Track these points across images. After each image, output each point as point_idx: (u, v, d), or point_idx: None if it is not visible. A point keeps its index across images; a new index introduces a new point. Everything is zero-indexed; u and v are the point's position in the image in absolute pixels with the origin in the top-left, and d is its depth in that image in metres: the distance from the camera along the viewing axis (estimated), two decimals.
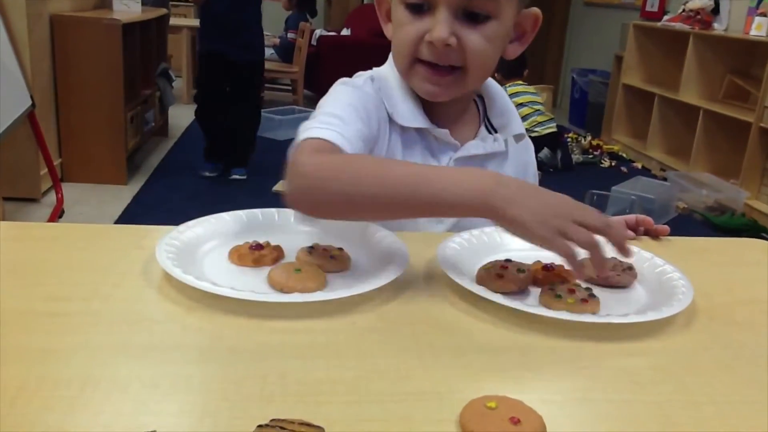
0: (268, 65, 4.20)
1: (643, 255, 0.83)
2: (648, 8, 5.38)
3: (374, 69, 0.96)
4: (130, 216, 3.08)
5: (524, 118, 4.37)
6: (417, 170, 0.74)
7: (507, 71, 4.48)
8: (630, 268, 0.79)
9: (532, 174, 1.07)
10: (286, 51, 5.60)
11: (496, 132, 0.98)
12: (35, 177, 3.15)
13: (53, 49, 3.30)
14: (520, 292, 0.74)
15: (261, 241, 0.78)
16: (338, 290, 0.67)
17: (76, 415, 0.49)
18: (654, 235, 0.94)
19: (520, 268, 0.75)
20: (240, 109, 3.63)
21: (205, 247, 0.78)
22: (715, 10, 4.42)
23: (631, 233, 0.92)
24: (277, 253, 0.78)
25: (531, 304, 0.70)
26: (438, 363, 0.59)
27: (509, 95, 4.46)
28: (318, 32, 5.84)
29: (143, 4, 4.19)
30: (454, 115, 0.95)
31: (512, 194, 0.67)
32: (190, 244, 0.77)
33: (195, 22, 4.67)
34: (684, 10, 4.59)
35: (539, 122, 4.36)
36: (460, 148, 0.93)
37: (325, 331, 0.63)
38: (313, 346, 0.61)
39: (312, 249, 0.77)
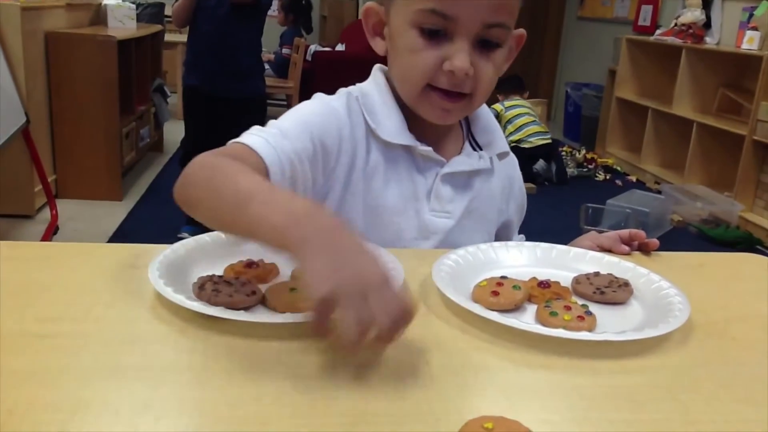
0: None
1: (638, 271, 0.82)
2: (640, 22, 5.42)
3: (357, 85, 0.95)
4: (125, 232, 3.06)
5: (520, 128, 4.40)
6: (261, 188, 0.67)
7: (507, 90, 4.56)
8: (626, 284, 0.79)
9: (518, 188, 1.07)
10: (280, 66, 5.61)
11: (480, 149, 0.97)
12: (29, 193, 3.14)
13: (48, 65, 3.30)
14: (516, 309, 0.74)
15: (256, 259, 0.78)
16: None
17: None
18: (645, 249, 0.94)
19: (516, 285, 0.75)
20: None
21: (200, 265, 0.77)
22: (707, 24, 4.46)
23: (626, 248, 0.92)
24: (273, 271, 0.77)
25: (527, 321, 0.69)
26: (434, 382, 0.59)
27: (507, 108, 4.50)
28: (313, 47, 5.86)
29: (138, 20, 4.20)
30: (441, 132, 0.94)
31: (308, 235, 0.58)
32: (185, 262, 0.76)
33: None
34: (676, 25, 4.62)
35: (534, 132, 4.38)
36: (446, 164, 0.93)
37: (320, 352, 0.63)
38: (309, 366, 0.60)
39: None
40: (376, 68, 0.96)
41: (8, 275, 0.75)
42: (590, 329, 0.69)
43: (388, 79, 0.93)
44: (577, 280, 0.80)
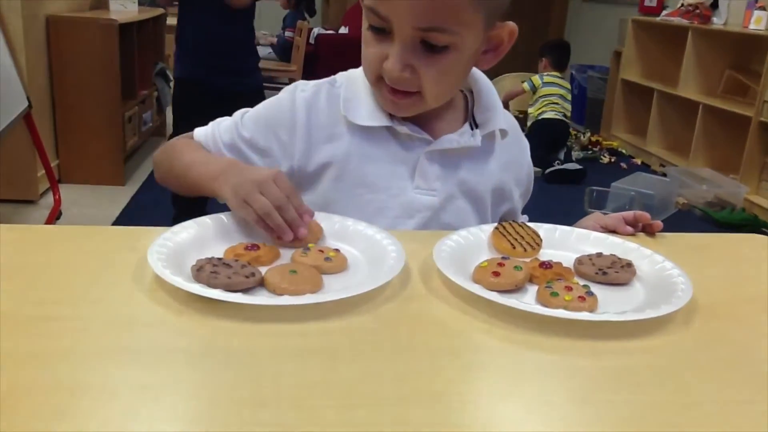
0: (265, 64, 4.18)
1: (642, 251, 0.82)
2: (647, 3, 5.35)
3: (349, 71, 0.97)
4: (129, 217, 3.07)
5: (548, 104, 4.37)
6: (199, 158, 0.93)
7: (557, 62, 4.49)
8: (629, 264, 0.78)
9: (526, 175, 1.06)
10: (283, 50, 5.58)
11: (477, 128, 0.96)
12: (32, 178, 3.14)
13: (49, 49, 3.28)
14: (517, 290, 0.73)
15: (257, 242, 0.77)
16: (333, 292, 0.66)
17: (65, 421, 0.48)
18: (649, 231, 0.93)
19: (517, 265, 0.74)
20: None
21: (200, 248, 0.77)
22: (714, 4, 4.40)
23: (630, 229, 0.91)
24: (273, 253, 0.77)
25: (528, 302, 0.69)
26: (434, 364, 0.59)
27: (545, 83, 4.45)
28: (316, 31, 5.82)
29: (140, 4, 4.17)
30: (432, 112, 0.93)
31: (225, 176, 0.83)
32: (185, 245, 0.76)
33: None
34: (683, 5, 4.57)
35: (544, 112, 4.36)
36: (433, 142, 0.92)
37: (320, 334, 0.62)
38: (308, 349, 0.60)
39: (308, 250, 0.76)
40: None
41: (7, 258, 0.74)
42: (591, 310, 0.68)
43: None
44: (579, 261, 0.79)
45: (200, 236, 0.79)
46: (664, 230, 0.94)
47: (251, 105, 2.57)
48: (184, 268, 0.70)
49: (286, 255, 0.77)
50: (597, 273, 0.76)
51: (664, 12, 4.87)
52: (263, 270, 0.71)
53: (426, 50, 0.82)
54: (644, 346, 0.64)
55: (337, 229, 0.83)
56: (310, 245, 0.77)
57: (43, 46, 3.24)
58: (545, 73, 4.49)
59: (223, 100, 2.57)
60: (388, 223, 0.91)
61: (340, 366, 0.58)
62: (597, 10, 6.27)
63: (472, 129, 0.95)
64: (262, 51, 5.23)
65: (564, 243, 0.85)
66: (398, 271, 0.71)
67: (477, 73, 0.96)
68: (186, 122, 2.71)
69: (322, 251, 0.75)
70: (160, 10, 4.35)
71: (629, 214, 0.92)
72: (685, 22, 4.47)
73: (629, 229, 0.91)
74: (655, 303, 0.69)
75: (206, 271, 0.67)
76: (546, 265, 0.76)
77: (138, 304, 0.66)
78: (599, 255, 0.80)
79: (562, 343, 0.64)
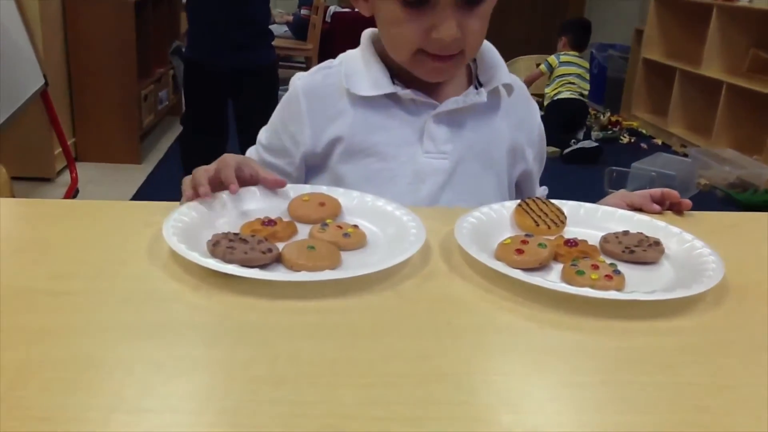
0: (281, 43, 4.13)
1: (670, 230, 0.79)
2: None
3: (346, 51, 0.97)
4: (144, 195, 3.07)
5: (565, 84, 4.31)
6: None
7: (576, 41, 4.43)
8: (657, 243, 0.75)
9: (538, 135, 1.03)
10: (299, 28, 5.53)
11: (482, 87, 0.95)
12: (49, 157, 3.14)
13: (65, 27, 3.27)
14: (542, 268, 0.71)
15: (273, 216, 0.75)
16: (352, 269, 0.64)
17: (77, 396, 0.47)
18: (678, 209, 0.90)
19: (542, 243, 0.72)
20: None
21: (216, 223, 0.75)
22: None
23: (657, 207, 0.88)
24: (291, 229, 0.75)
25: (553, 280, 0.67)
26: (456, 343, 0.57)
27: (561, 63, 4.38)
28: (332, 8, 5.76)
29: None
30: None
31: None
32: (201, 220, 0.74)
33: None
34: None
35: (573, 84, 4.30)
36: (438, 105, 0.91)
37: (339, 311, 0.61)
38: (326, 326, 0.58)
39: (326, 226, 0.74)
40: (364, 34, 0.97)
41: (20, 232, 0.73)
42: (619, 289, 0.66)
43: (377, 40, 0.94)
44: (605, 239, 0.77)
45: (217, 211, 0.77)
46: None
47: (262, 83, 2.49)
48: (200, 243, 0.69)
49: (304, 231, 0.75)
50: (624, 251, 0.74)
51: None
52: (280, 246, 0.69)
53: (466, 5, 0.83)
54: (674, 326, 0.62)
55: (356, 205, 0.81)
56: (328, 221, 0.75)
57: (59, 24, 3.23)
58: (562, 53, 4.42)
59: (232, 80, 2.56)
60: (400, 190, 0.90)
61: (359, 344, 0.56)
62: None
63: (476, 89, 0.94)
64: (278, 29, 5.19)
65: (589, 221, 0.83)
66: (418, 247, 0.69)
67: None
68: (194, 102, 2.73)
69: (340, 227, 0.73)
70: None
71: (656, 191, 0.89)
72: None
73: (656, 207, 0.88)
74: (684, 282, 0.67)
75: (222, 246, 0.65)
76: (571, 243, 0.74)
77: (154, 280, 0.65)
78: (626, 233, 0.78)
79: (589, 323, 0.61)
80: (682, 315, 0.64)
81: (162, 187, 3.20)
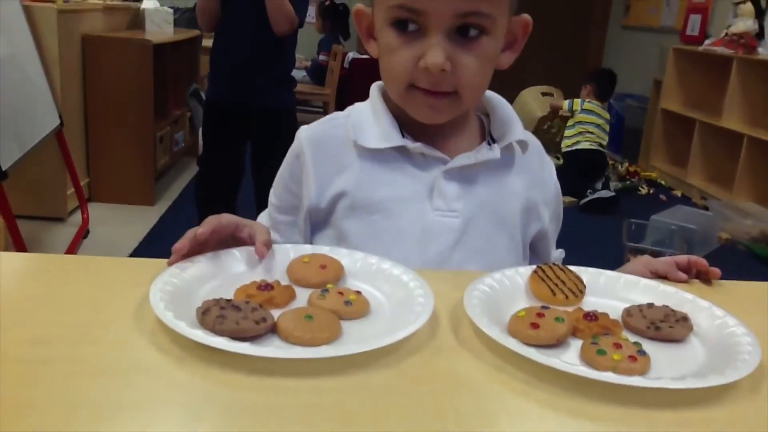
0: (299, 87, 4.14)
1: (699, 303, 0.73)
2: (688, 32, 5.24)
3: (355, 104, 0.94)
4: (156, 237, 3.04)
5: (582, 132, 4.30)
6: None
7: (601, 92, 4.45)
8: (684, 318, 0.69)
9: (554, 195, 0.98)
10: (317, 73, 5.58)
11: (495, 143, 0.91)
12: (62, 196, 3.14)
13: (84, 68, 3.31)
14: (559, 345, 0.65)
15: (271, 280, 0.71)
16: (352, 343, 0.59)
17: None
18: (706, 279, 0.85)
19: (559, 316, 0.66)
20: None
21: (208, 285, 0.71)
22: (760, 34, 4.28)
23: (684, 276, 0.83)
24: (289, 294, 0.70)
25: (571, 360, 0.61)
26: (462, 430, 0.51)
27: (584, 110, 4.40)
28: (351, 55, 5.81)
29: (176, 25, 4.20)
30: (447, 130, 0.89)
31: None
32: (193, 282, 0.70)
33: None
34: (726, 34, 4.45)
35: (579, 142, 4.27)
36: (450, 161, 0.87)
37: (335, 391, 0.55)
38: (320, 408, 0.53)
39: (326, 292, 0.69)
40: (373, 86, 0.94)
41: (5, 290, 0.69)
42: (643, 372, 0.60)
43: (387, 92, 0.90)
44: (628, 312, 0.71)
45: (210, 272, 0.73)
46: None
47: (281, 126, 2.48)
48: (191, 305, 0.64)
49: (303, 295, 0.70)
50: (648, 327, 0.68)
51: (707, 41, 4.75)
52: (276, 313, 0.64)
53: (462, 39, 0.79)
54: (705, 417, 0.56)
55: (360, 268, 0.76)
56: (329, 286, 0.70)
57: (78, 65, 3.26)
58: (586, 100, 4.42)
59: (251, 122, 2.57)
60: (408, 249, 0.85)
61: (355, 428, 0.51)
62: (636, 38, 6.16)
63: (489, 145, 0.90)
64: (297, 74, 5.22)
65: (610, 290, 0.77)
66: (424, 320, 0.63)
67: (490, 92, 0.92)
68: (212, 143, 2.75)
69: (341, 293, 0.68)
70: (195, 32, 4.38)
71: (683, 258, 0.84)
72: (729, 51, 4.35)
73: (683, 275, 0.83)
74: (717, 366, 0.60)
75: (212, 314, 0.61)
76: (591, 317, 0.68)
77: (136, 348, 0.60)
78: (650, 306, 0.72)
79: (611, 411, 0.56)
80: (714, 404, 0.57)
81: (175, 229, 3.16)
